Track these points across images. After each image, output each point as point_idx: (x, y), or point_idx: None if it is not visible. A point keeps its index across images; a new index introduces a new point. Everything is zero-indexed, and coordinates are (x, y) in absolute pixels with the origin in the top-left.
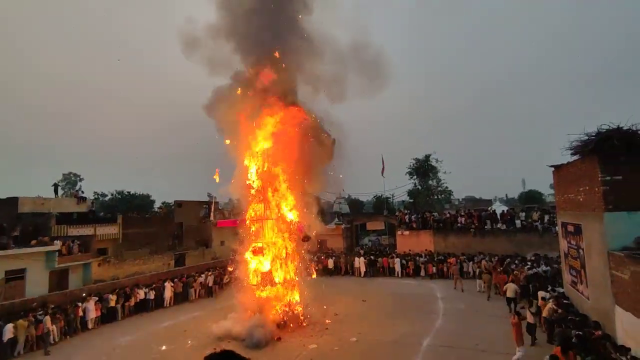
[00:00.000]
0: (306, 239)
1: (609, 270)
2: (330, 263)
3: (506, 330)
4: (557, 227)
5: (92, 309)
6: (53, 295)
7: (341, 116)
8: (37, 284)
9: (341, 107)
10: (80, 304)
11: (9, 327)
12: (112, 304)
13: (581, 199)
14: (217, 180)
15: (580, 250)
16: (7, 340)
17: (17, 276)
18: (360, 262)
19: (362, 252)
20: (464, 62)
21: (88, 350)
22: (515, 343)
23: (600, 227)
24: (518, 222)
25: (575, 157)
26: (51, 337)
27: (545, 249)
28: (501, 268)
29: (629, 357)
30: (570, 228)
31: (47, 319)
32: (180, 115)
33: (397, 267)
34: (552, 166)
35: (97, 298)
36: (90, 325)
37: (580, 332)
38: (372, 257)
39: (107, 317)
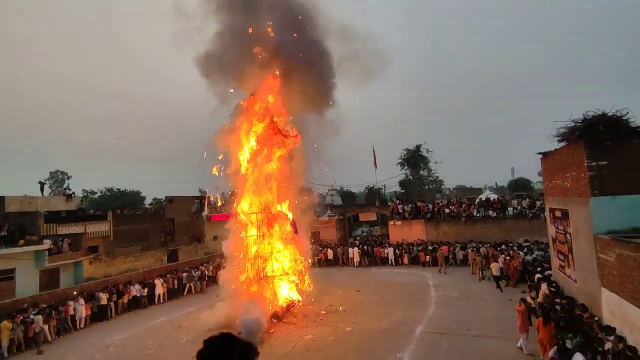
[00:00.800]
0: (296, 232)
1: (595, 253)
2: (330, 254)
3: (498, 315)
4: (545, 213)
5: (81, 308)
6: (44, 295)
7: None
8: (27, 284)
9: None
10: (71, 303)
11: None
12: (104, 302)
13: (568, 185)
14: (216, 174)
15: (568, 235)
16: None
17: (6, 276)
18: (354, 253)
19: (357, 242)
20: (450, 49)
21: (82, 349)
22: (519, 329)
23: (586, 211)
24: (510, 209)
25: (562, 144)
26: (46, 335)
27: (534, 235)
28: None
29: (614, 336)
30: (558, 213)
31: (39, 318)
32: (171, 111)
33: (391, 256)
34: (540, 153)
35: (82, 298)
36: (81, 325)
37: (567, 315)
38: (366, 247)
39: (99, 315)
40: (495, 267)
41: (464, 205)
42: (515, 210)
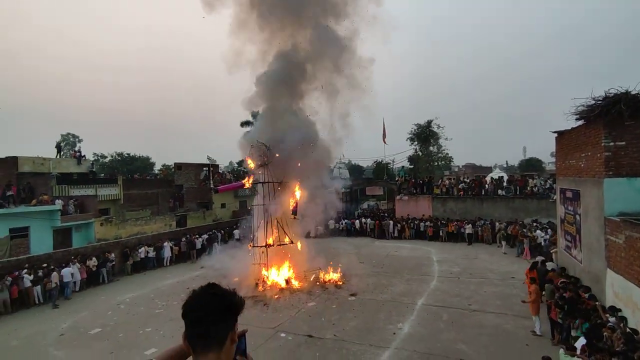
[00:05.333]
0: (294, 213)
1: (604, 235)
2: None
3: (500, 292)
4: (554, 194)
5: (77, 272)
6: (58, 253)
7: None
8: (41, 242)
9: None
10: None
11: None
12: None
13: (582, 165)
14: (248, 186)
15: (577, 216)
16: None
17: (21, 234)
18: (357, 224)
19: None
20: (468, 27)
21: (94, 306)
22: (532, 311)
23: (598, 192)
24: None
25: (580, 123)
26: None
27: (542, 214)
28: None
29: (617, 316)
30: (569, 194)
31: (55, 274)
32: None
33: (390, 229)
34: (555, 132)
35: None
36: (76, 288)
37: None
38: (370, 219)
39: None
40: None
41: (475, 183)
42: (533, 189)
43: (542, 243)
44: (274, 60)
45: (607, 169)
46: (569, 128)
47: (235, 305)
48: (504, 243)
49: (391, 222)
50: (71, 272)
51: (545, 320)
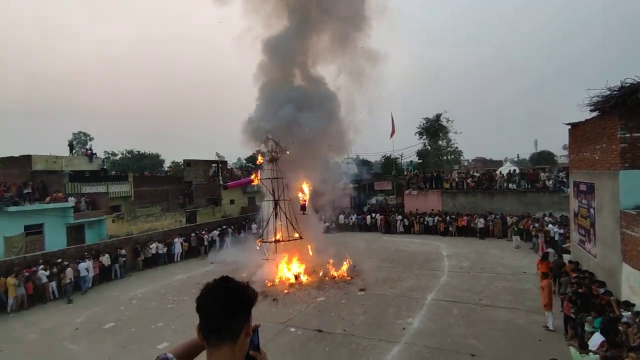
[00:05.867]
0: (303, 209)
1: (620, 228)
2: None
3: (511, 287)
4: (567, 188)
5: (90, 267)
6: (71, 249)
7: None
8: (55, 238)
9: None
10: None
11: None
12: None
13: (597, 157)
14: (257, 182)
15: (591, 210)
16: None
17: (36, 230)
18: (369, 219)
19: (368, 209)
20: (475, 18)
21: (107, 301)
22: (544, 307)
23: (613, 185)
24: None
25: (594, 114)
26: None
27: (554, 208)
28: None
29: (633, 310)
30: (583, 187)
31: (69, 270)
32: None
33: (398, 224)
34: (568, 124)
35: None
36: (89, 284)
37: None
38: (378, 214)
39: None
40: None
41: (484, 177)
42: (548, 182)
43: (556, 237)
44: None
45: (623, 161)
46: (583, 120)
47: (248, 299)
48: (516, 238)
49: (399, 217)
50: (86, 267)
51: (559, 315)
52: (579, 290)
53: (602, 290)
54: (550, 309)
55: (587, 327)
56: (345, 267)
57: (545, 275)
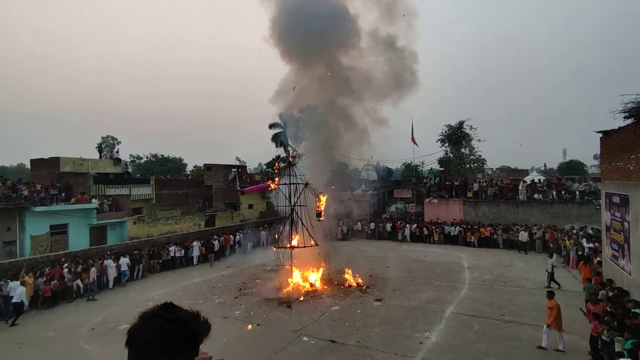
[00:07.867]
0: (319, 216)
1: None
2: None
3: (536, 302)
4: (598, 200)
5: (113, 267)
6: (93, 250)
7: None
8: (78, 238)
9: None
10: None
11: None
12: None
13: (631, 167)
14: (274, 187)
15: (626, 223)
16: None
17: (60, 230)
18: (388, 227)
19: (388, 217)
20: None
21: (124, 301)
22: (554, 328)
23: None
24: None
25: (629, 122)
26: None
27: (583, 221)
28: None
29: None
30: (616, 199)
31: (93, 270)
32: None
33: (406, 233)
34: (599, 132)
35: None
36: (110, 286)
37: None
38: (396, 223)
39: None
40: (523, 236)
41: (508, 185)
42: (579, 193)
43: (586, 252)
44: None
45: None
46: (616, 127)
47: (194, 334)
48: (556, 256)
49: (409, 225)
50: (127, 262)
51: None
52: (613, 311)
53: (638, 311)
54: (561, 329)
55: (617, 347)
56: (361, 276)
57: (551, 294)
